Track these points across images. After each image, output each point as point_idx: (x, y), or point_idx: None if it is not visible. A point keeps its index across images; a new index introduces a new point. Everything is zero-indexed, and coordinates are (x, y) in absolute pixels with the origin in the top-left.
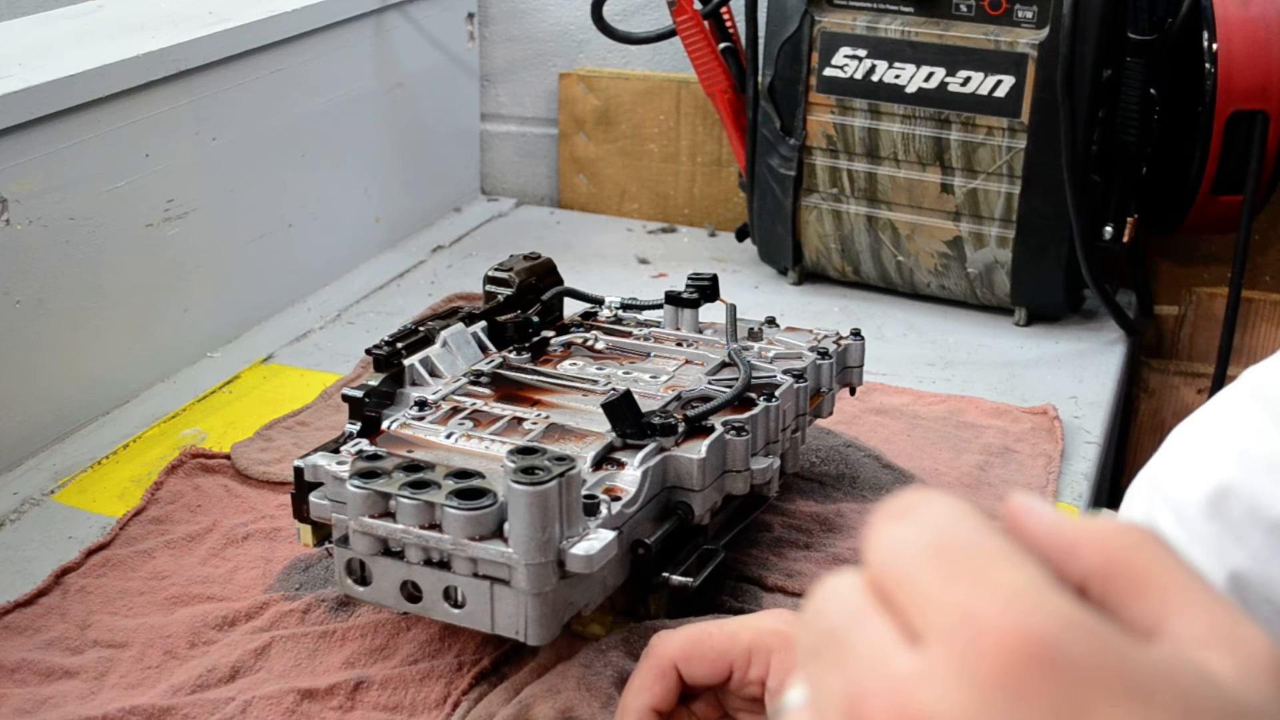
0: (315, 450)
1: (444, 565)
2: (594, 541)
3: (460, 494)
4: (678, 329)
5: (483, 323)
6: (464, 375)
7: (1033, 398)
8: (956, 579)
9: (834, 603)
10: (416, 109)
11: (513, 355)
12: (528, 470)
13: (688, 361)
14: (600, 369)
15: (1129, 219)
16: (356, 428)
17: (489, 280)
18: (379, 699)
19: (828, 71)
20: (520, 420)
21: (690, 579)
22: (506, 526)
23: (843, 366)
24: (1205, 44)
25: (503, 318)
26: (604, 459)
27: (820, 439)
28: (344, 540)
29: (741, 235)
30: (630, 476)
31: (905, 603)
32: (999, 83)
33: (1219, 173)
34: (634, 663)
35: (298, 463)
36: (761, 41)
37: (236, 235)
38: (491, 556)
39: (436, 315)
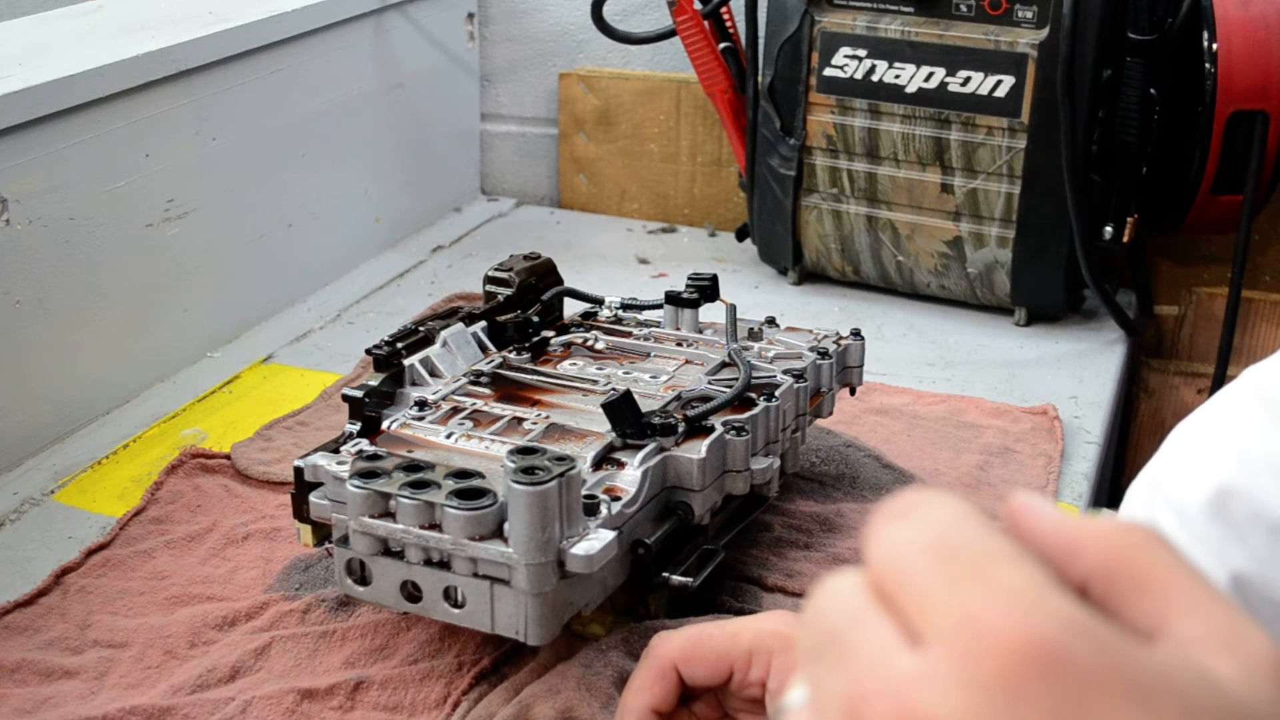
0: (315, 450)
1: (444, 565)
2: (594, 541)
3: (460, 494)
4: (678, 329)
5: (483, 323)
6: (464, 375)
7: (1033, 398)
8: (957, 580)
9: (834, 603)
10: (416, 109)
11: (513, 355)
12: (528, 470)
13: (688, 361)
14: (600, 369)
15: (1129, 219)
16: (356, 428)
17: (489, 280)
18: (379, 699)
19: (828, 71)
20: (520, 420)
21: (690, 579)
22: (506, 526)
23: (843, 366)
24: (1205, 44)
25: (503, 318)
26: (604, 459)
27: (820, 439)
28: (344, 540)
29: (741, 235)
30: (630, 476)
31: (906, 603)
32: (999, 83)
33: (1219, 173)
34: (634, 663)
35: (298, 463)
36: (761, 41)
37: (236, 235)
38: (491, 556)
39: (436, 315)
